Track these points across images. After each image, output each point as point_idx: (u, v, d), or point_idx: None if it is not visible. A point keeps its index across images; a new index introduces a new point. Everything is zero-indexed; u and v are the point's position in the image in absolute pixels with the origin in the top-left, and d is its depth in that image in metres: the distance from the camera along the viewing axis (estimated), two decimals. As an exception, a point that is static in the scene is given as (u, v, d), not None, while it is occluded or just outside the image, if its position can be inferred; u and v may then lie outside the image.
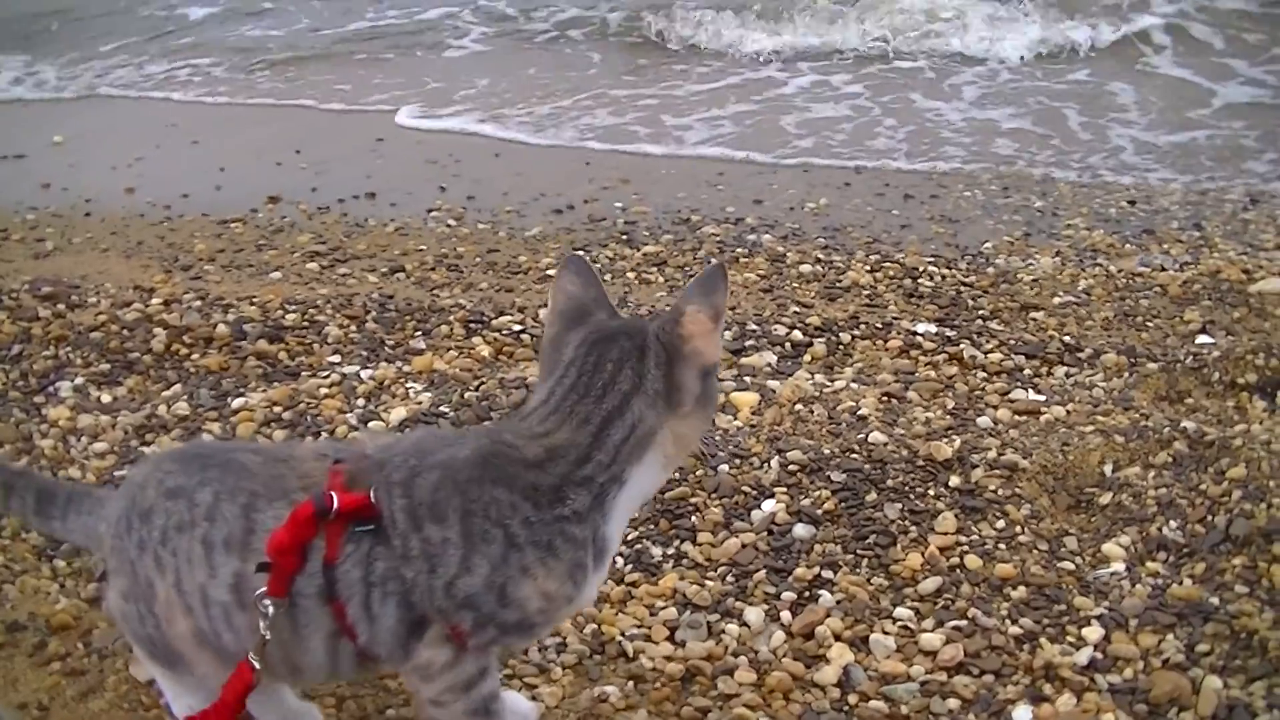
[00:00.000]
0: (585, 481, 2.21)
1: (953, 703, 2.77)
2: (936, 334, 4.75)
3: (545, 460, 2.20)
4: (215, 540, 2.25)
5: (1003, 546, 3.30)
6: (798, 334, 4.72)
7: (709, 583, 3.18)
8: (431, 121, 9.18)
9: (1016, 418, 4.02)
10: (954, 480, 3.56)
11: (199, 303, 5.04)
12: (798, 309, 5.08)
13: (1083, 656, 2.88)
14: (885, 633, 2.99)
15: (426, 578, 2.17)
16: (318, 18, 13.38)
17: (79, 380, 4.37)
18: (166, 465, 2.40)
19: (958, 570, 3.21)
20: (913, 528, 3.36)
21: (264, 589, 2.18)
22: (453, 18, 12.67)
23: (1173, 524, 3.36)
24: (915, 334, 4.74)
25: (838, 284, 5.46)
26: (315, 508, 2.16)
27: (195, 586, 2.26)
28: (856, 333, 4.76)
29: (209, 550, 2.25)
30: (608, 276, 5.60)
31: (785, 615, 3.06)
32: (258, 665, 2.21)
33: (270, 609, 2.17)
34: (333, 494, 2.18)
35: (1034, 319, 5.05)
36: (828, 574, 3.20)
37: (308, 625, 2.23)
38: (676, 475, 3.59)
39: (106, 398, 4.26)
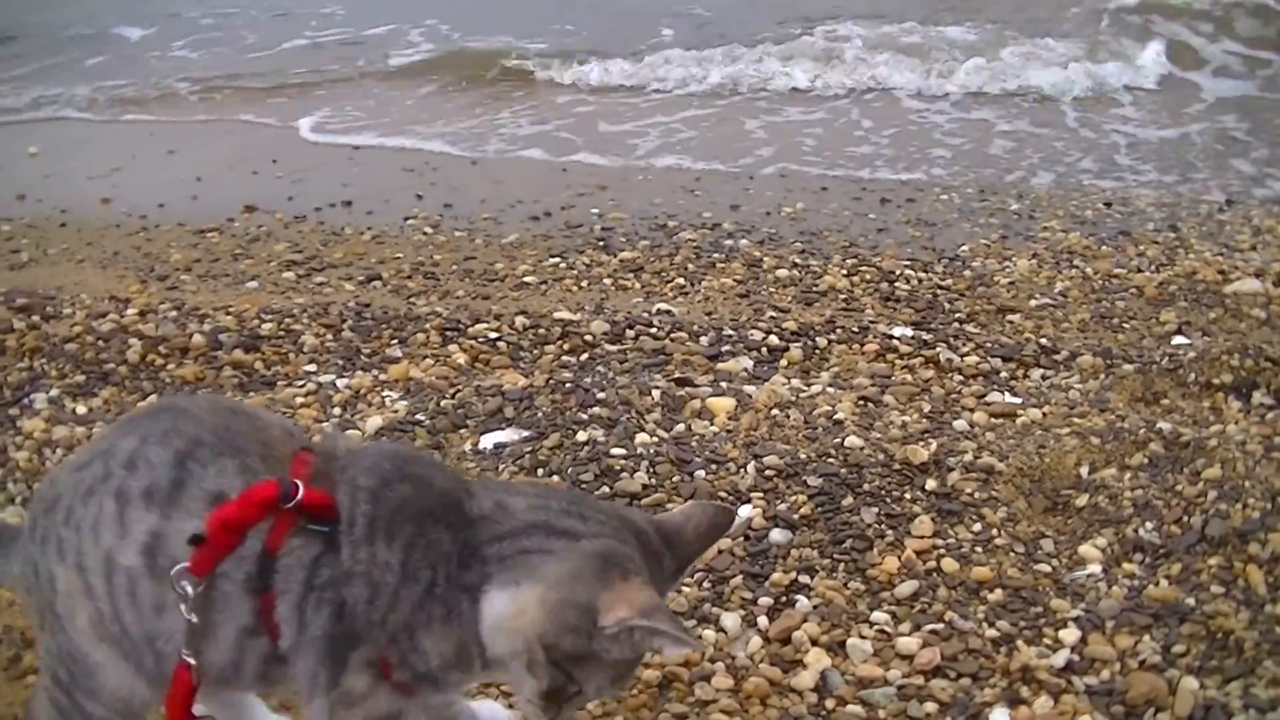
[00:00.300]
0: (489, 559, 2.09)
1: (930, 706, 2.77)
2: (913, 337, 4.76)
3: (489, 516, 2.11)
4: (132, 492, 2.02)
5: (979, 549, 3.30)
6: (774, 339, 4.72)
7: (685, 589, 3.17)
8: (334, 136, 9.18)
9: (993, 420, 4.03)
10: (930, 484, 3.56)
11: (175, 313, 5.02)
12: (774, 314, 5.08)
13: (1060, 658, 2.88)
14: (862, 637, 2.98)
15: (366, 596, 2.01)
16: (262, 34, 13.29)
17: (54, 392, 4.35)
18: (82, 451, 2.27)
19: (934, 574, 3.21)
20: (889, 531, 3.36)
21: (185, 564, 1.97)
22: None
23: (1149, 525, 3.37)
24: (892, 338, 4.75)
25: (814, 288, 5.47)
26: (279, 491, 1.98)
27: (99, 558, 2.03)
28: (833, 337, 4.77)
29: (122, 505, 2.02)
30: (584, 283, 5.61)
31: (762, 620, 3.05)
32: (193, 660, 2.02)
33: (189, 589, 1.97)
34: (298, 482, 2.01)
35: (1010, 321, 5.07)
36: (804, 579, 3.20)
37: (222, 613, 2.01)
38: (653, 480, 3.59)
39: (82, 409, 4.24)
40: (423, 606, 2.03)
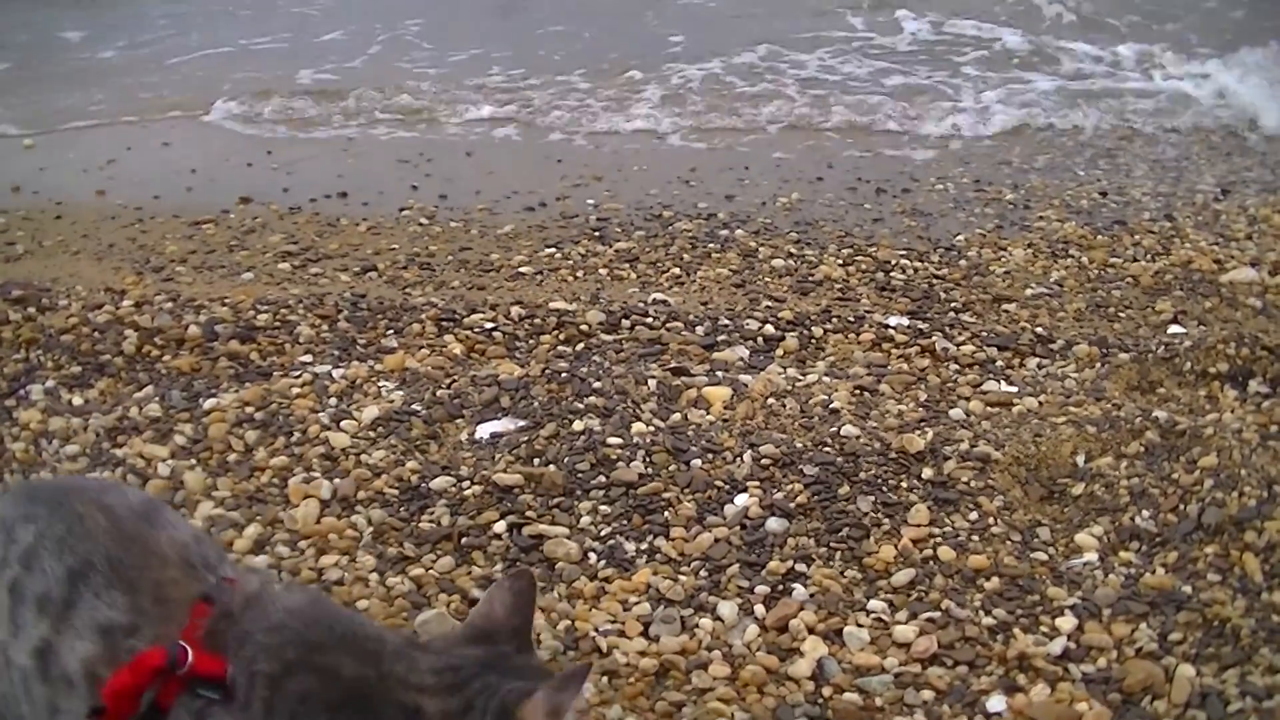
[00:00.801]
0: None
1: (927, 694, 2.78)
2: (909, 327, 4.76)
3: (409, 716, 1.93)
4: (26, 593, 1.97)
5: (976, 538, 3.31)
6: (770, 328, 4.72)
7: (682, 577, 3.19)
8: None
9: (989, 409, 4.03)
10: (927, 472, 3.57)
11: (170, 304, 5.01)
12: (770, 303, 5.09)
13: (1056, 646, 2.90)
14: (859, 625, 2.99)
15: None
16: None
17: (50, 383, 4.34)
18: None
19: (931, 562, 3.22)
20: (886, 520, 3.37)
21: None
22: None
23: (1145, 513, 3.38)
24: (888, 327, 4.75)
25: (810, 278, 5.47)
26: (166, 661, 1.87)
27: None
28: (829, 326, 4.77)
29: (16, 602, 1.98)
30: (580, 273, 5.61)
31: (759, 609, 3.07)
32: None
33: None
34: (188, 649, 1.88)
35: (1006, 311, 5.07)
36: (801, 567, 3.21)
37: None
38: (649, 470, 3.60)
39: (78, 400, 4.23)
40: None
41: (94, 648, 1.92)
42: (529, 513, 3.46)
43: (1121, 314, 5.06)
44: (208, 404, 4.10)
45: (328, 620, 2.02)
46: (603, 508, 3.48)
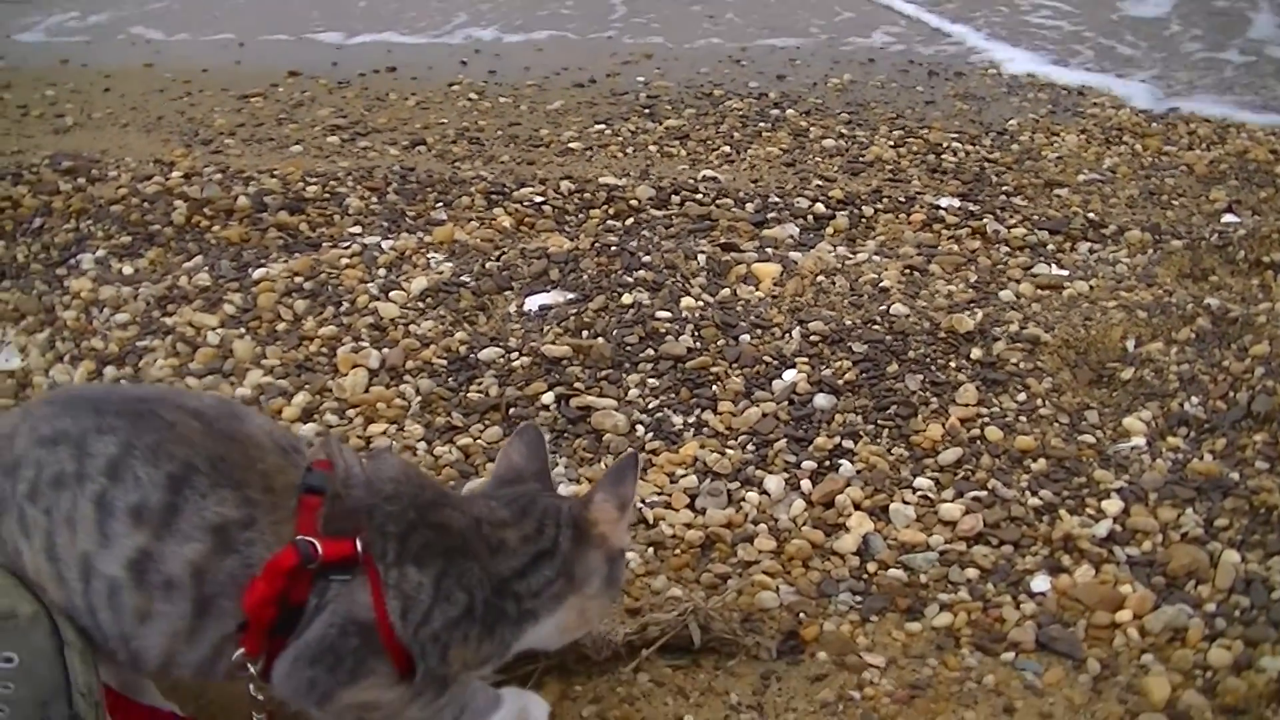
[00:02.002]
0: (518, 597, 2.15)
1: (971, 572, 2.78)
2: (960, 208, 4.73)
3: (496, 550, 2.15)
4: (116, 504, 1.95)
5: (1023, 419, 3.30)
6: (820, 207, 4.70)
7: (729, 451, 3.19)
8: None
9: (1039, 292, 4.01)
10: (975, 353, 3.55)
11: (219, 176, 5.02)
12: (820, 183, 5.06)
13: (1101, 529, 2.88)
14: (905, 502, 2.99)
15: (398, 610, 2.03)
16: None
17: (100, 252, 4.36)
18: (41, 410, 2.11)
19: (978, 442, 3.21)
20: (933, 399, 3.36)
21: (242, 650, 1.98)
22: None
23: (1194, 400, 3.36)
24: (938, 208, 4.72)
25: (860, 159, 5.44)
26: (299, 559, 1.97)
27: (74, 555, 1.98)
28: (879, 206, 4.74)
29: (104, 514, 1.96)
30: (629, 150, 5.58)
31: (805, 484, 3.06)
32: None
33: (252, 669, 2.00)
34: (316, 543, 1.98)
35: (1058, 196, 5.03)
36: (848, 444, 3.20)
37: (217, 621, 1.99)
38: (697, 344, 3.60)
39: (128, 269, 4.25)
40: (459, 625, 2.09)
41: (204, 546, 1.95)
42: (577, 384, 3.47)
43: (1174, 202, 5.01)
44: (257, 274, 4.11)
45: (423, 483, 2.20)
46: (651, 381, 3.49)
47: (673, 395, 3.43)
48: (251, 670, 2.01)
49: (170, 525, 1.95)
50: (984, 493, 3.01)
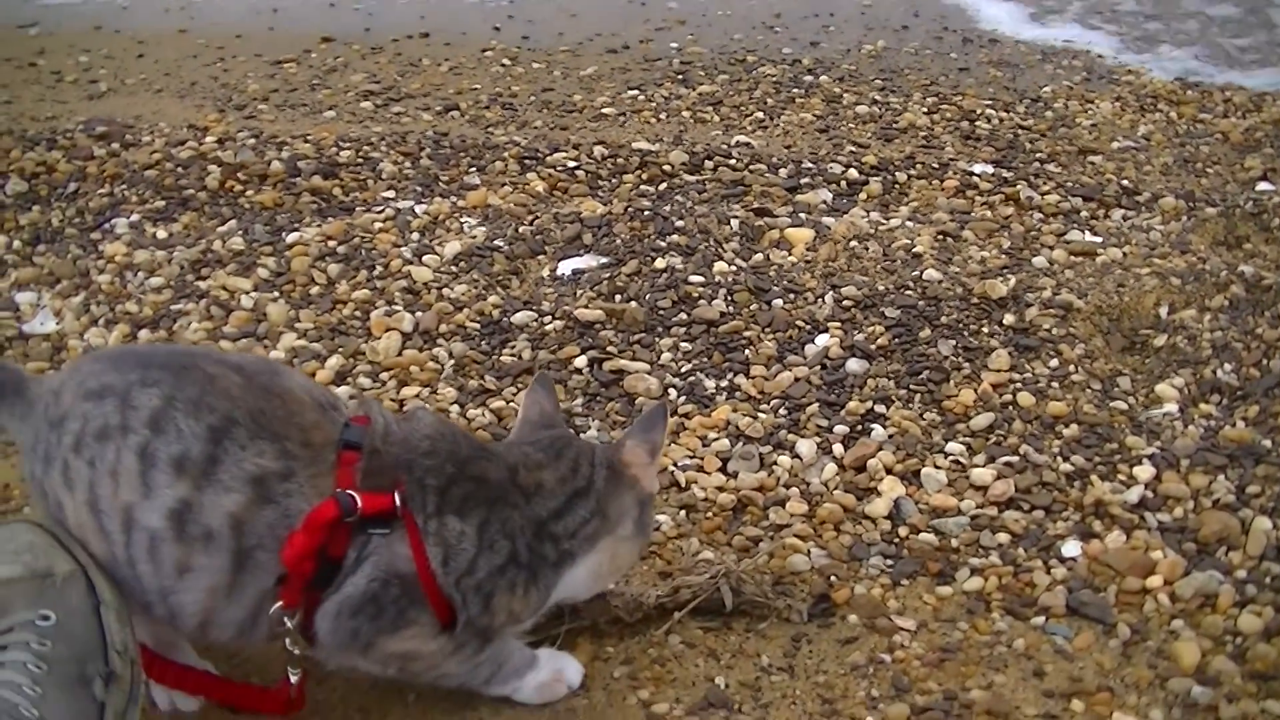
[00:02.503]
0: (555, 538, 2.19)
1: (1002, 537, 2.78)
2: (993, 175, 4.72)
3: (533, 493, 2.19)
4: (158, 455, 1.97)
5: (1055, 385, 3.30)
6: (853, 173, 4.70)
7: (761, 415, 3.19)
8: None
9: (1072, 258, 4.00)
10: (1008, 319, 3.55)
11: (253, 141, 5.03)
12: (853, 149, 5.05)
13: (1133, 495, 2.88)
14: (936, 467, 2.99)
15: (439, 558, 2.07)
16: None
17: (134, 217, 4.38)
18: (88, 366, 2.15)
19: (1010, 407, 3.21)
20: (966, 364, 3.36)
21: (280, 603, 2.01)
22: None
23: (1227, 367, 3.35)
24: (972, 174, 4.71)
25: (894, 125, 5.43)
26: (340, 511, 1.99)
27: (116, 507, 2.00)
28: (913, 172, 4.73)
29: (146, 466, 1.98)
30: (663, 115, 5.58)
31: (837, 448, 3.07)
32: (295, 679, 2.12)
33: (288, 622, 2.02)
34: (356, 497, 2.01)
35: (1092, 163, 5.02)
36: (880, 408, 3.21)
37: (255, 576, 2.02)
38: (729, 309, 3.61)
39: (162, 234, 4.27)
40: (503, 572, 2.12)
41: (243, 498, 1.98)
42: (610, 348, 3.47)
43: (1209, 169, 4.99)
44: (290, 238, 4.13)
45: (459, 437, 2.23)
46: (683, 345, 3.49)
47: (705, 359, 3.44)
48: (288, 624, 2.02)
49: (210, 476, 1.97)
50: (1015, 458, 3.01)
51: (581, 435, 2.73)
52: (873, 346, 3.44)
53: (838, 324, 3.54)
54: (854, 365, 3.36)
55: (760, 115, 5.56)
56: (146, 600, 2.06)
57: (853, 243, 4.00)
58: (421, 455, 2.12)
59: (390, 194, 4.53)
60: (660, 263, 3.85)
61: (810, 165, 4.75)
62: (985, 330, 3.51)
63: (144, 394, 2.01)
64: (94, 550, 2.04)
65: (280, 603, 2.01)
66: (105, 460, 1.99)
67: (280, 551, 1.98)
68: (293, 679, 2.12)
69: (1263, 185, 4.75)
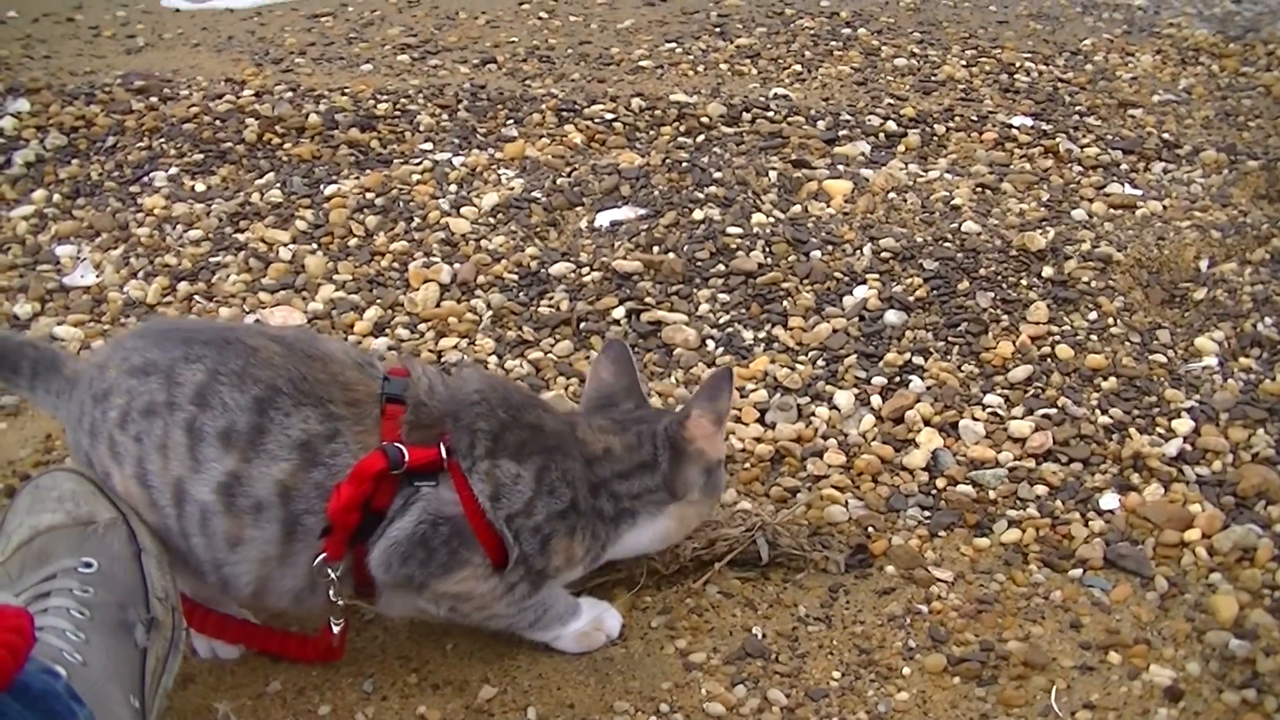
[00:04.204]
0: (615, 496, 2.24)
1: (1040, 489, 2.78)
2: (1032, 128, 4.69)
3: (600, 458, 2.24)
4: (206, 430, 2.00)
5: (1094, 338, 3.29)
6: (891, 125, 4.68)
7: (799, 366, 3.19)
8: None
9: (1112, 211, 3.98)
10: (1047, 271, 3.54)
11: (290, 94, 5.03)
12: (891, 101, 5.02)
13: (1172, 448, 2.88)
14: (974, 419, 2.99)
15: (489, 493, 2.08)
16: None
17: (173, 170, 4.39)
18: (131, 342, 2.15)
19: (1049, 359, 3.20)
20: (1004, 316, 3.36)
21: (324, 554, 2.03)
22: None
23: (1268, 321, 3.35)
24: (1011, 127, 4.68)
25: (932, 78, 5.40)
26: (387, 463, 2.01)
27: (167, 480, 2.03)
28: (951, 125, 4.71)
29: (195, 440, 2.00)
30: (700, 68, 5.56)
31: (875, 400, 3.07)
32: (337, 629, 2.18)
33: (333, 574, 2.05)
34: (403, 448, 2.03)
35: (1132, 116, 4.98)
36: (918, 360, 3.21)
37: (306, 543, 2.05)
38: (767, 260, 3.60)
39: (200, 186, 4.28)
40: (564, 517, 2.15)
41: (291, 465, 2.00)
42: (648, 299, 3.48)
43: (1251, 123, 4.96)
44: (328, 190, 4.13)
45: (512, 389, 2.29)
46: (721, 296, 3.49)
47: (743, 310, 3.44)
48: (331, 576, 2.04)
49: (258, 446, 1.99)
50: (1054, 410, 3.01)
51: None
52: (911, 298, 3.43)
53: (876, 276, 3.54)
54: (892, 317, 3.36)
55: (798, 68, 5.54)
56: (201, 570, 2.10)
57: (891, 195, 4.00)
58: (469, 405, 2.14)
59: (428, 146, 4.53)
60: (698, 214, 3.85)
61: (848, 118, 4.73)
62: (1024, 282, 3.50)
63: (188, 370, 2.04)
64: (147, 521, 2.07)
65: (324, 554, 2.03)
66: (153, 436, 2.02)
67: (327, 510, 2.00)
68: (335, 629, 2.16)
69: (1306, 137, 4.73)
